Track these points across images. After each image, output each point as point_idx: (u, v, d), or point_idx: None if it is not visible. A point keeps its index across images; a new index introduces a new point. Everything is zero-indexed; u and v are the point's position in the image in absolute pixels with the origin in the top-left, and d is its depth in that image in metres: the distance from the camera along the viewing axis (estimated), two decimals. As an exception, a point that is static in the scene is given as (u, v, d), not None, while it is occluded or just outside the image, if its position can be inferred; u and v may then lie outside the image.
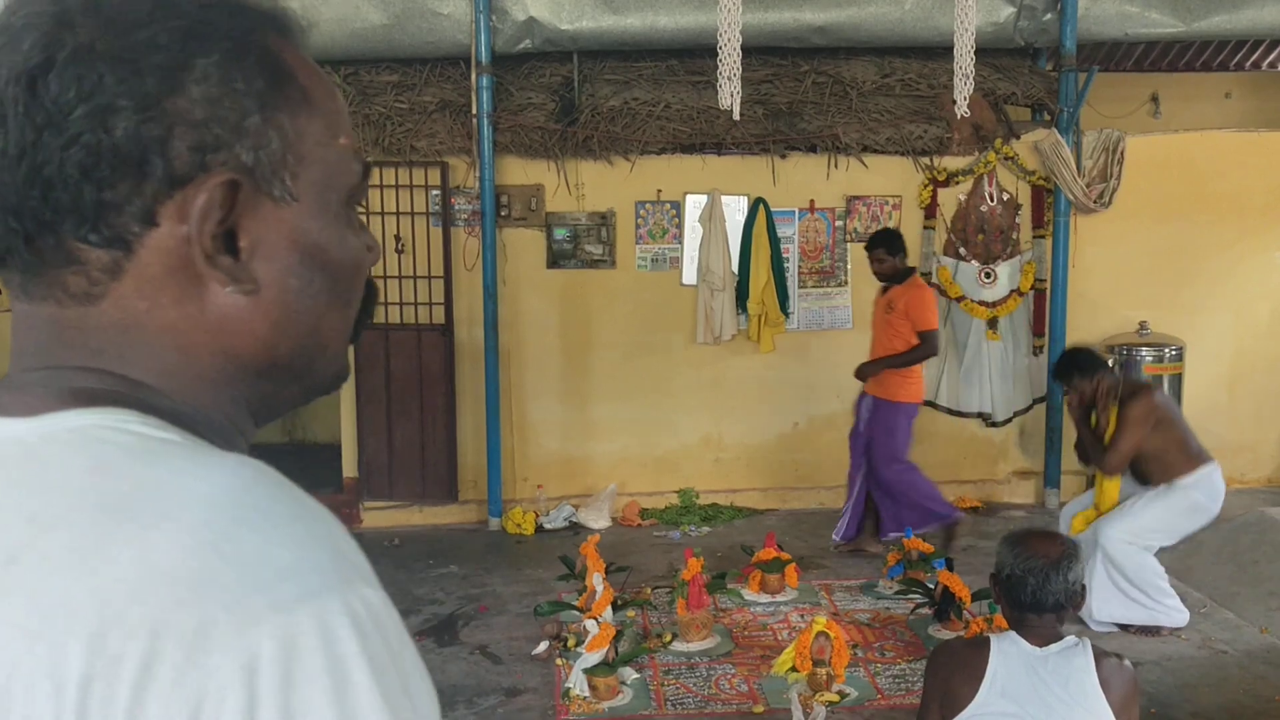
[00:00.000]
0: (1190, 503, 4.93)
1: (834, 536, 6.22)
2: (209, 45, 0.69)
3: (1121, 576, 4.95)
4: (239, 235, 0.71)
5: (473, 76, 6.65)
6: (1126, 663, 2.57)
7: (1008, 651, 2.54)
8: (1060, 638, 2.56)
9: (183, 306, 0.70)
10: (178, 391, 0.71)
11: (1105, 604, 4.97)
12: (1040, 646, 2.54)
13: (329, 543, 0.62)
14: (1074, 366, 5.10)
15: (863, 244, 7.10)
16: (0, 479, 0.63)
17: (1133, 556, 4.94)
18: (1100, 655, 2.54)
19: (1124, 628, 4.99)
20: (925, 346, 5.82)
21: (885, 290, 5.95)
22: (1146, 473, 5.00)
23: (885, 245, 5.90)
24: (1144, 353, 6.98)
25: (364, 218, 0.85)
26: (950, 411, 7.26)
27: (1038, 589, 2.50)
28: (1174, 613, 4.98)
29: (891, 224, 7.14)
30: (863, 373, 5.96)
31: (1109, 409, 5.01)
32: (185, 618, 0.56)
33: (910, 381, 5.91)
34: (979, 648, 2.58)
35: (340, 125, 0.77)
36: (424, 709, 0.63)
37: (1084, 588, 2.56)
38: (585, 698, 4.33)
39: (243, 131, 0.70)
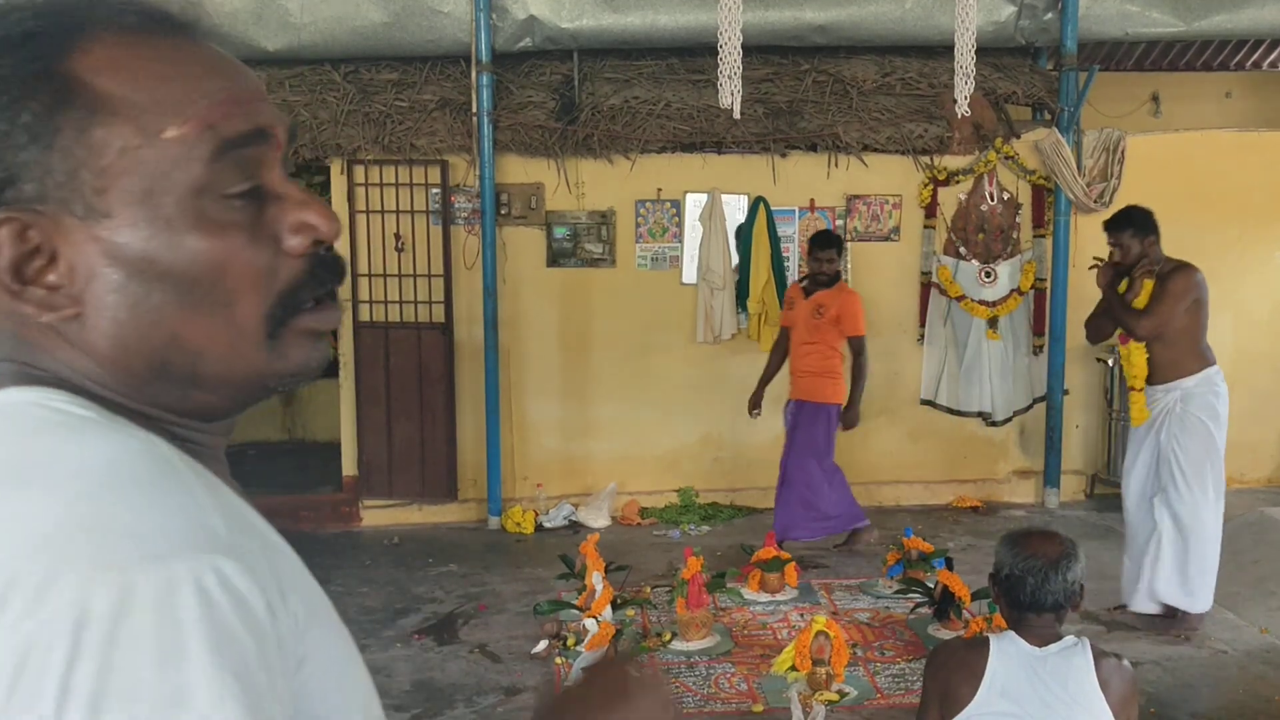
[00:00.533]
0: (1208, 409, 4.84)
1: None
2: None
3: (1185, 550, 4.84)
4: (58, 261, 0.72)
5: (473, 75, 6.64)
6: (1125, 662, 2.56)
7: (1007, 651, 2.53)
8: (1059, 637, 2.55)
9: (40, 330, 0.74)
10: (85, 386, 0.74)
11: (1167, 583, 4.88)
12: (1039, 646, 2.54)
13: (195, 514, 0.64)
14: (1131, 221, 4.91)
15: (862, 242, 7.13)
16: None
17: (1208, 522, 4.84)
18: (1099, 655, 2.53)
19: (1164, 613, 4.92)
20: (864, 354, 5.98)
21: (809, 293, 6.00)
22: (1156, 362, 4.90)
23: (838, 247, 6.03)
24: (1144, 352, 6.96)
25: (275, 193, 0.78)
26: (950, 411, 7.26)
27: (1037, 589, 2.49)
28: (1205, 599, 4.90)
29: (892, 223, 7.15)
30: (854, 419, 6.00)
31: (1143, 280, 4.89)
32: (33, 569, 0.59)
33: (839, 385, 5.99)
34: (978, 648, 2.57)
35: (166, 118, 0.72)
36: (277, 691, 0.64)
37: (1083, 587, 2.55)
38: (584, 697, 4.32)
39: (19, 166, 0.70)
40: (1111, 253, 4.95)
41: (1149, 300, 4.87)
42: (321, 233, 0.78)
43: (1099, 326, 5.15)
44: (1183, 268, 4.88)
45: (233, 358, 0.75)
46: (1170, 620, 4.95)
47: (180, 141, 0.72)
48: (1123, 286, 5.00)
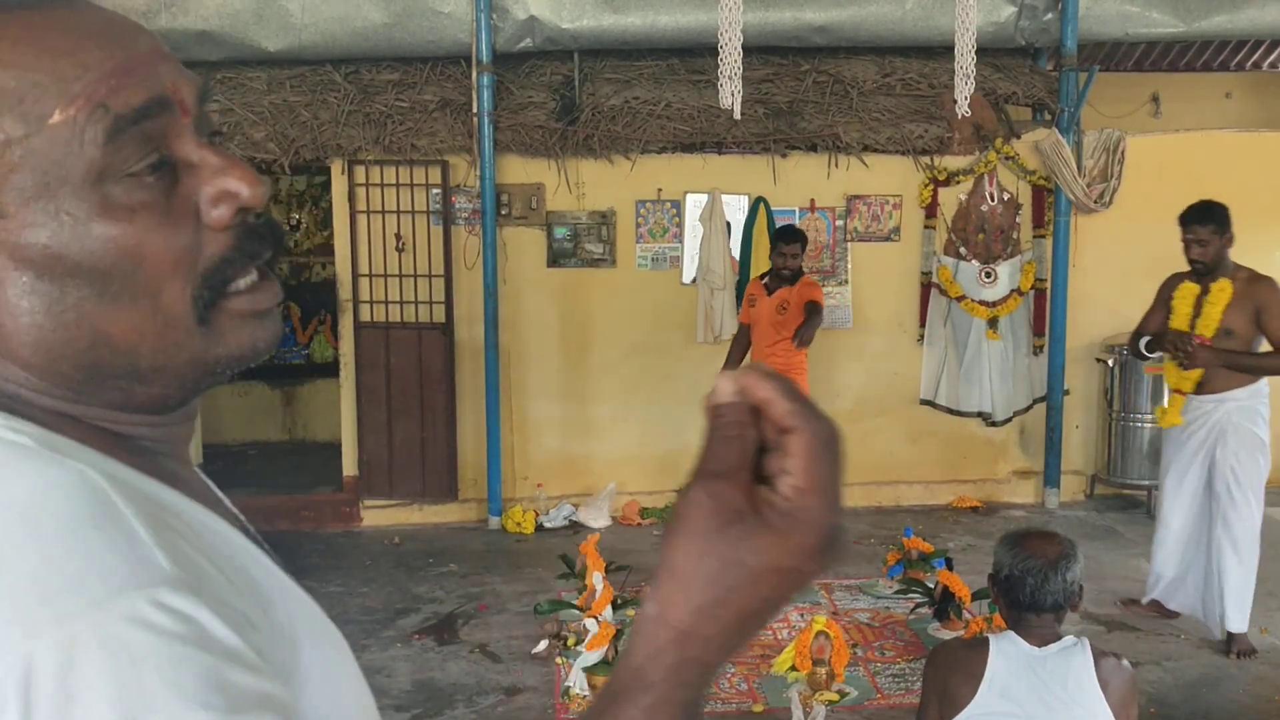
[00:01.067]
0: (1260, 421, 4.76)
1: None
2: None
3: (1245, 574, 4.72)
4: None
5: (473, 75, 6.65)
6: (1125, 662, 2.57)
7: (1007, 652, 2.54)
8: (1059, 638, 2.56)
9: None
10: (30, 400, 0.69)
11: (1238, 612, 4.74)
12: (1039, 646, 2.54)
13: (130, 550, 0.59)
14: (1213, 215, 4.76)
15: (862, 243, 7.13)
16: None
17: (1258, 539, 4.76)
18: (1099, 655, 2.54)
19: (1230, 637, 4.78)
20: (819, 314, 5.97)
21: (771, 290, 6.08)
22: (1212, 371, 4.73)
23: (802, 242, 6.09)
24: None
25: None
26: (950, 411, 7.26)
27: (1036, 589, 2.50)
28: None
29: (892, 223, 7.15)
30: (808, 339, 6.03)
31: (1220, 280, 4.74)
32: None
33: (805, 379, 6.10)
34: (978, 648, 2.57)
35: (48, 101, 0.65)
36: (248, 702, 0.59)
37: (1082, 588, 2.56)
38: (585, 696, 4.33)
39: None
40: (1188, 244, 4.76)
41: (1223, 309, 4.71)
42: (245, 198, 0.70)
43: (1163, 340, 4.93)
44: (1267, 278, 4.75)
45: (166, 348, 0.70)
46: (1228, 641, 4.79)
47: (69, 125, 0.65)
48: (1185, 294, 4.85)
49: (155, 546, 0.60)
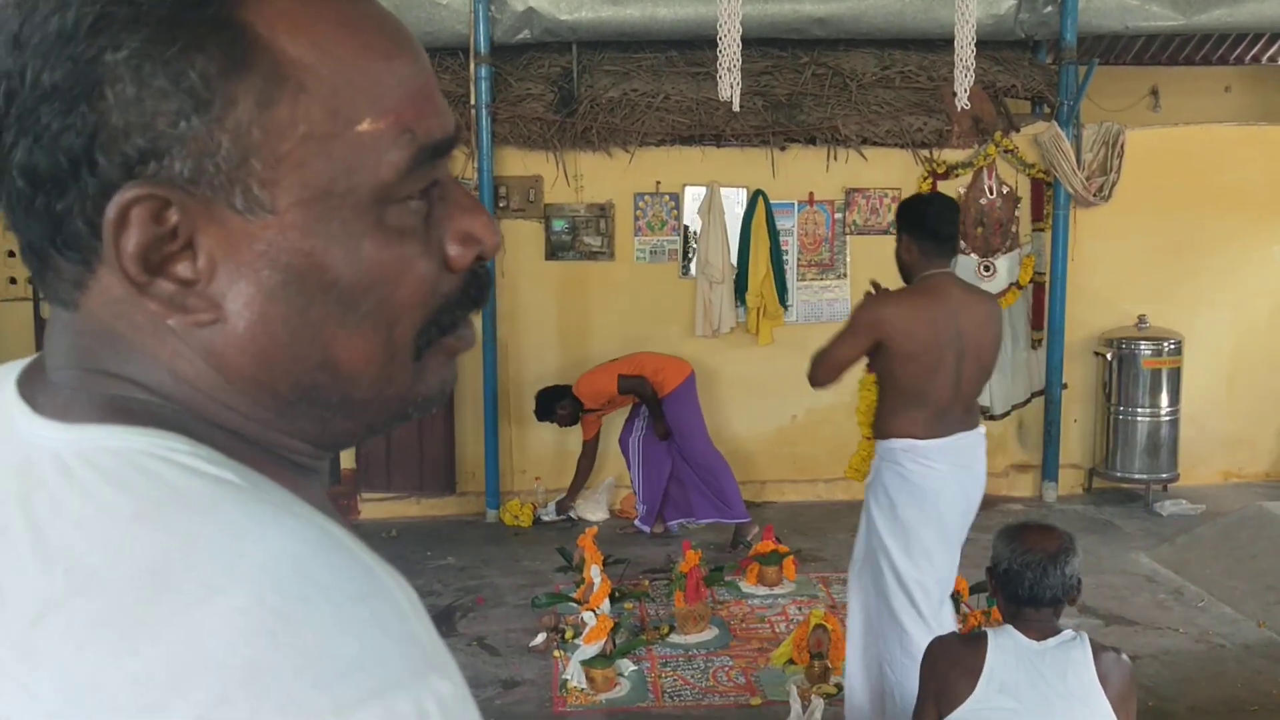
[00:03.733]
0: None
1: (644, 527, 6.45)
2: (121, 35, 0.56)
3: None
4: (196, 253, 0.59)
5: (471, 67, 6.63)
6: (1124, 657, 2.56)
7: (1005, 646, 2.53)
8: (1057, 632, 2.55)
9: (157, 334, 0.61)
10: (203, 412, 0.62)
11: None
12: (1038, 641, 2.53)
13: (398, 627, 0.53)
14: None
15: (860, 236, 7.12)
16: (39, 504, 0.55)
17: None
18: (1098, 649, 2.53)
19: None
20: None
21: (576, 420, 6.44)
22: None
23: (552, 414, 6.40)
24: (1143, 346, 6.97)
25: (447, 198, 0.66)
26: (948, 404, 7.25)
27: (1035, 583, 2.49)
28: None
29: (891, 216, 7.13)
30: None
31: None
32: (230, 717, 0.48)
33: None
34: (975, 643, 2.57)
35: (363, 105, 0.60)
36: None
37: (1080, 581, 2.55)
38: (583, 689, 4.34)
39: (175, 138, 0.57)
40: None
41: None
42: (486, 247, 0.67)
43: None
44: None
45: (383, 382, 0.65)
46: None
47: (374, 137, 0.60)
48: None
49: (415, 620, 0.55)
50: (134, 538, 0.53)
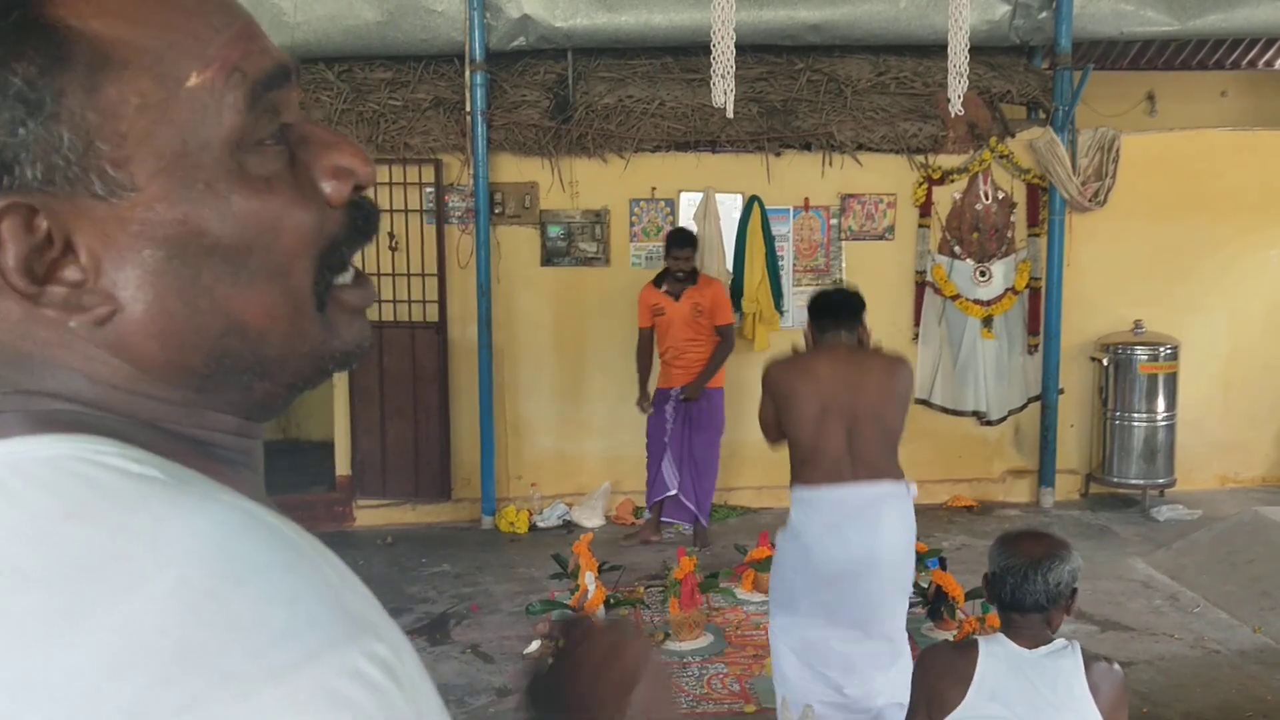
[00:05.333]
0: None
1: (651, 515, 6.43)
2: None
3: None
4: (77, 252, 0.59)
5: (467, 74, 6.63)
6: (1116, 666, 2.55)
7: (996, 653, 2.52)
8: (1049, 640, 2.54)
9: (64, 343, 0.61)
10: (124, 410, 0.62)
11: None
12: (1029, 649, 2.53)
13: (326, 595, 0.54)
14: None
15: (856, 241, 7.12)
16: None
17: None
18: (1090, 659, 2.52)
19: None
20: (731, 340, 6.27)
21: (676, 294, 6.14)
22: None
23: (694, 244, 6.18)
24: (1139, 351, 6.98)
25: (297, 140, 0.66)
26: (945, 410, 7.26)
27: (1016, 588, 2.48)
28: None
29: (886, 222, 7.14)
30: (696, 392, 6.18)
31: None
32: (168, 696, 0.49)
33: (721, 371, 6.31)
34: (966, 651, 2.56)
35: (186, 61, 0.60)
36: None
37: (1074, 590, 2.54)
38: (576, 697, 4.32)
39: (18, 145, 0.57)
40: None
41: None
42: (360, 176, 0.67)
43: None
44: None
45: (293, 335, 0.65)
46: None
47: (207, 88, 0.60)
48: None
49: (345, 589, 0.56)
50: (64, 537, 0.53)
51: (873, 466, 3.50)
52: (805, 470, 3.54)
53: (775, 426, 3.66)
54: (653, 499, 6.36)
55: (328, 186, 0.65)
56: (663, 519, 6.42)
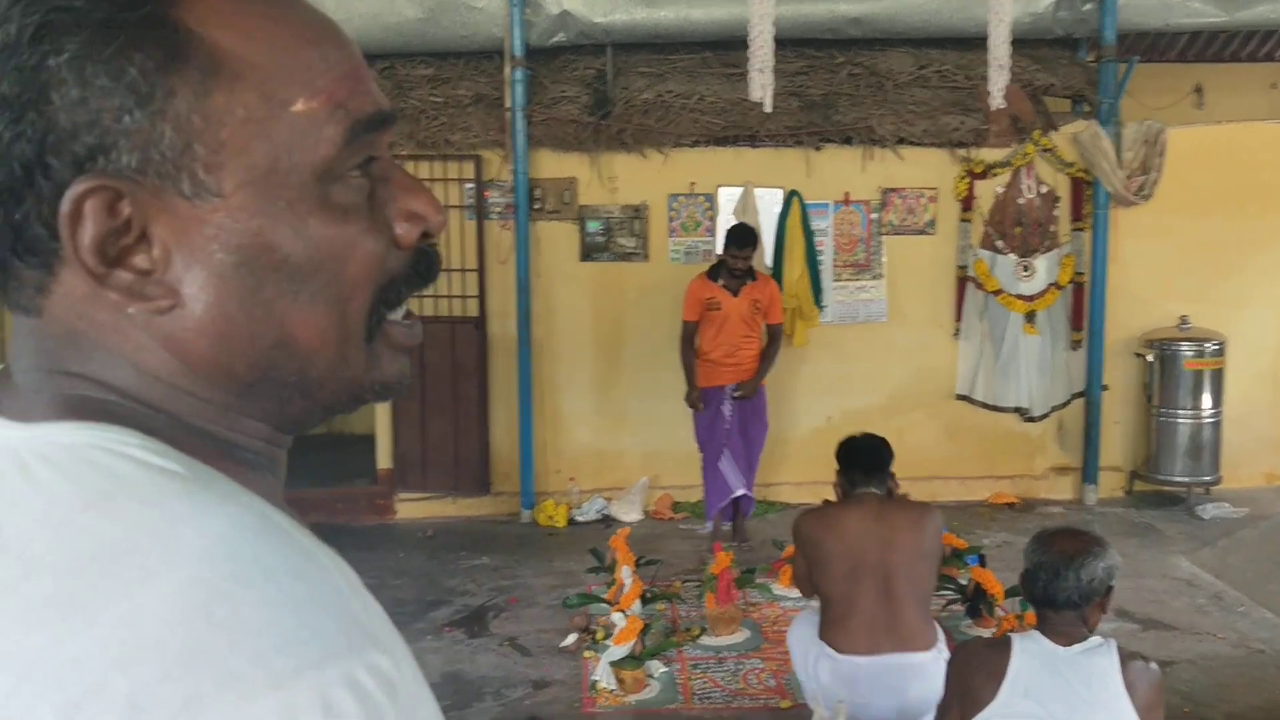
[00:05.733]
0: None
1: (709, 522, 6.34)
2: (61, 39, 0.59)
3: None
4: (150, 243, 0.61)
5: (506, 70, 6.66)
6: (1153, 665, 2.53)
7: (1030, 650, 2.51)
8: (1084, 637, 2.52)
9: (119, 327, 0.63)
10: (159, 403, 0.64)
11: None
12: (1064, 645, 2.51)
13: (335, 604, 0.55)
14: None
15: (896, 236, 7.07)
16: None
17: None
18: (1126, 657, 2.50)
19: None
20: (780, 339, 6.29)
21: (734, 290, 6.04)
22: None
23: (755, 244, 6.12)
24: (1184, 348, 6.88)
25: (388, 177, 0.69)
26: (986, 406, 7.19)
27: (1049, 584, 2.48)
28: None
29: (927, 216, 7.09)
30: (754, 390, 6.15)
31: None
32: (170, 692, 0.50)
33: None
34: (1000, 648, 2.55)
35: (295, 87, 0.63)
36: None
37: (1109, 587, 2.52)
38: (612, 690, 4.34)
39: (120, 132, 0.60)
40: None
41: None
42: (431, 224, 0.69)
43: None
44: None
45: (339, 362, 0.67)
46: None
47: (309, 116, 0.63)
48: None
49: (353, 599, 0.57)
50: (80, 526, 0.55)
51: (907, 633, 3.47)
52: (835, 633, 3.52)
53: (809, 581, 3.66)
54: (716, 505, 6.21)
55: (399, 228, 0.68)
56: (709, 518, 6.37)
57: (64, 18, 0.59)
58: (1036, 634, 2.56)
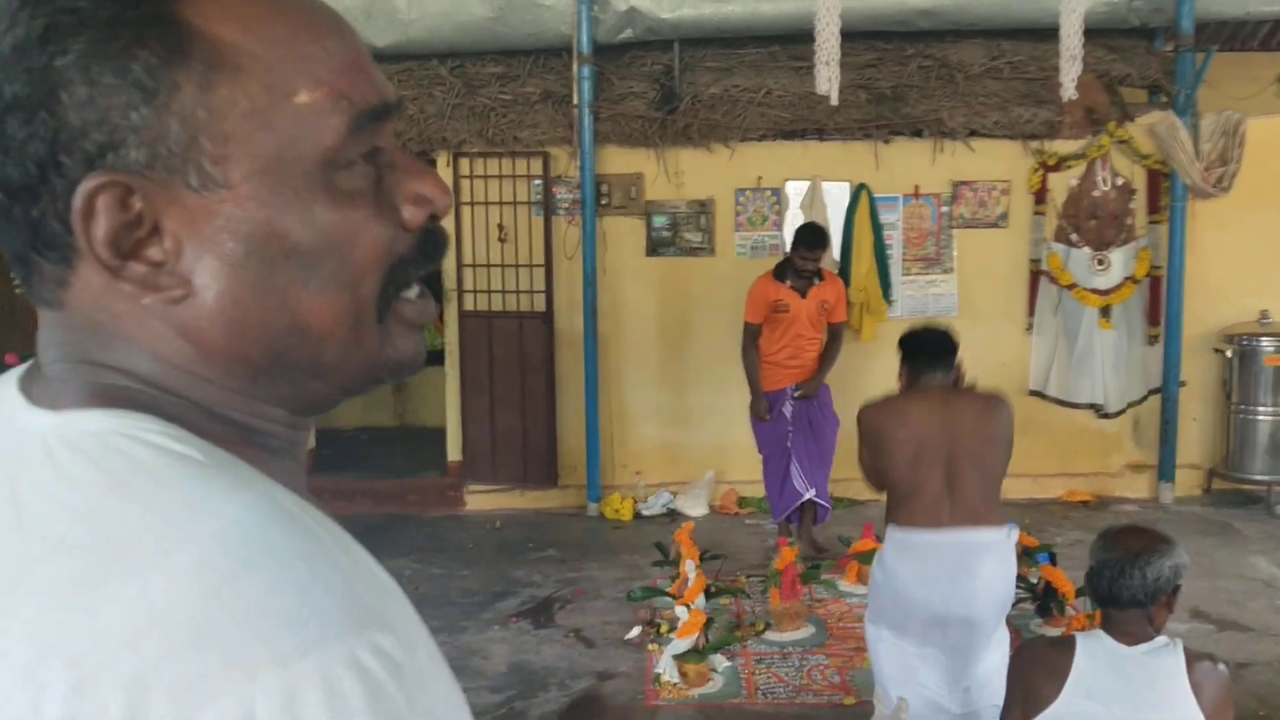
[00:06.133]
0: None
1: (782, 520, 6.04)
2: (68, 40, 0.61)
3: None
4: (162, 235, 0.63)
5: (574, 67, 6.71)
6: (1221, 666, 2.48)
7: (1093, 650, 2.47)
8: (1150, 637, 2.48)
9: (136, 317, 0.65)
10: (180, 390, 0.66)
11: None
12: (1129, 645, 2.47)
13: (340, 585, 0.57)
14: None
15: (968, 229, 6.99)
16: (23, 483, 0.61)
17: None
18: (1193, 658, 2.45)
19: None
20: (841, 337, 6.03)
21: (803, 291, 5.81)
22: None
23: (827, 245, 5.97)
24: (1265, 343, 6.70)
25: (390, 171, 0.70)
26: (1060, 402, 7.08)
27: (1113, 582, 2.43)
28: None
29: (1000, 209, 6.99)
30: (816, 389, 5.92)
31: None
32: (178, 670, 0.52)
33: None
34: (1064, 647, 2.52)
35: (298, 78, 0.64)
36: None
37: (1175, 586, 2.47)
38: (675, 684, 4.37)
39: (128, 128, 0.62)
40: None
41: None
42: (437, 206, 0.71)
43: None
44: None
45: (352, 344, 0.68)
46: None
47: (313, 107, 0.64)
48: None
49: (359, 581, 0.58)
50: (101, 509, 0.58)
51: (972, 511, 3.38)
52: (901, 511, 3.43)
53: (875, 472, 3.58)
54: (782, 512, 5.92)
55: (406, 211, 0.70)
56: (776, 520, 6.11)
57: (69, 19, 0.61)
58: (1101, 633, 2.52)
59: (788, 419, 5.94)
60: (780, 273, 5.88)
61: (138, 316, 0.65)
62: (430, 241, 0.72)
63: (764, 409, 5.94)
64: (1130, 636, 2.48)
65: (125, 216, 0.62)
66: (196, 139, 0.62)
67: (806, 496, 5.86)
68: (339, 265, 0.66)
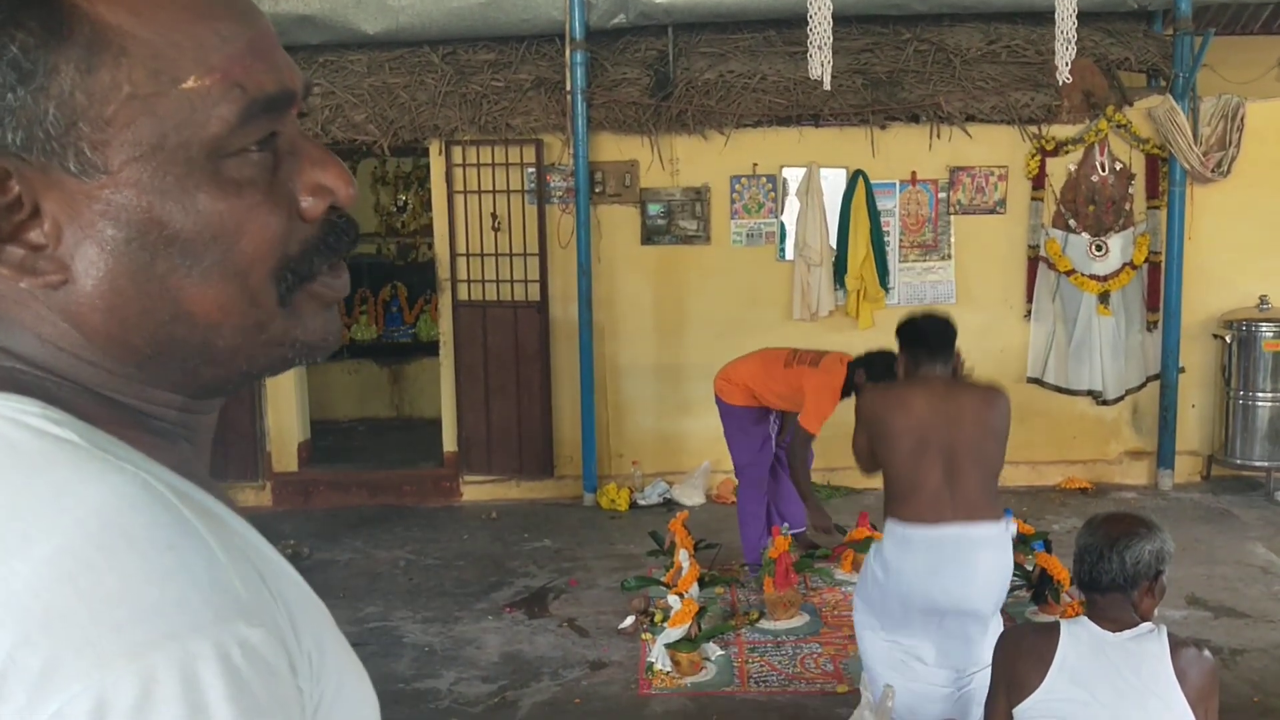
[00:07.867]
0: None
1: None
2: None
3: None
4: (41, 219, 0.61)
5: (567, 53, 6.66)
6: (1206, 653, 2.46)
7: (1078, 636, 2.46)
8: (1134, 623, 2.46)
9: (18, 299, 0.64)
10: (63, 372, 0.65)
11: None
12: (1114, 632, 2.45)
13: (207, 576, 0.56)
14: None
15: (965, 215, 6.95)
16: None
17: None
18: (1178, 644, 2.43)
19: None
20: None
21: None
22: None
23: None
24: (1264, 328, 6.66)
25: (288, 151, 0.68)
26: (1058, 389, 7.05)
27: (1093, 566, 2.42)
28: None
29: (997, 195, 6.95)
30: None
31: None
32: (31, 657, 0.51)
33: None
34: (1048, 632, 2.50)
35: (186, 63, 0.62)
36: None
37: (1157, 571, 2.44)
38: (668, 672, 4.35)
39: (4, 110, 0.59)
40: None
41: None
42: (339, 197, 0.69)
43: None
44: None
45: (253, 329, 0.67)
46: None
47: (201, 94, 0.62)
48: None
49: (231, 571, 0.57)
50: None
51: (971, 506, 3.37)
52: (901, 506, 3.41)
53: (869, 456, 3.56)
54: (756, 556, 5.38)
55: (304, 201, 0.68)
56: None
57: None
58: (1085, 620, 2.50)
59: (772, 440, 5.61)
60: (848, 389, 5.03)
61: (20, 298, 0.64)
62: (333, 233, 0.69)
63: (829, 523, 5.48)
64: (1114, 623, 2.46)
65: (4, 199, 0.61)
66: (75, 123, 0.60)
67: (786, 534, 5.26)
68: (223, 255, 0.64)
